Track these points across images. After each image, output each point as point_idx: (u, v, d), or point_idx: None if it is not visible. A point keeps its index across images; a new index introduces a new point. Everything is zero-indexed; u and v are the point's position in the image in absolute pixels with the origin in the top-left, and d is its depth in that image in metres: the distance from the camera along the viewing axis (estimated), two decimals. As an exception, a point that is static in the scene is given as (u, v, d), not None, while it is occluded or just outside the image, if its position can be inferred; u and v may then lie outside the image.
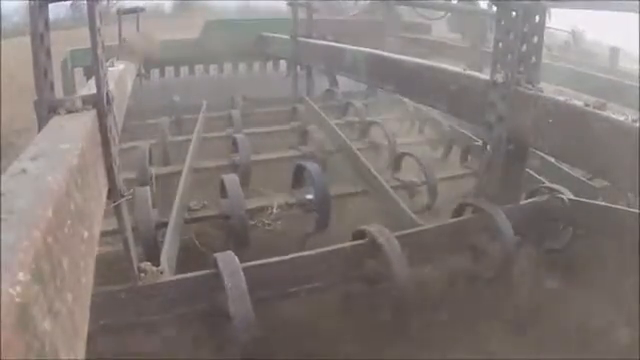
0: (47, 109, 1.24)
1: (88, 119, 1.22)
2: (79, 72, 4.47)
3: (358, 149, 3.16)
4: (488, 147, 2.18)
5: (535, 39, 1.99)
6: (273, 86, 4.95)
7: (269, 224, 2.44)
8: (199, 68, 5.40)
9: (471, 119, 2.42)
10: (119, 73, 2.41)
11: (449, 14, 6.23)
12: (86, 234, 0.90)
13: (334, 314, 1.99)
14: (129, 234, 1.51)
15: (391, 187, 2.62)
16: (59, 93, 1.33)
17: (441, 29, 6.40)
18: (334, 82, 4.91)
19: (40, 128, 1.17)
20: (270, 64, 5.62)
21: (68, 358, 0.66)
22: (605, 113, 1.70)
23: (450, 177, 2.98)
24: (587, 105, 1.79)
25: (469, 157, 3.15)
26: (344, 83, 4.66)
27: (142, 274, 1.64)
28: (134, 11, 4.23)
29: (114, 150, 1.34)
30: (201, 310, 1.69)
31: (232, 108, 4.18)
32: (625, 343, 1.78)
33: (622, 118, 1.64)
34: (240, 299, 1.51)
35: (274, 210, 2.47)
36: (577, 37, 6.45)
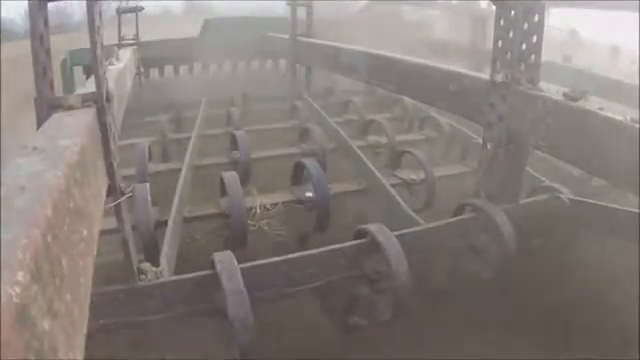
0: (47, 107, 1.24)
1: (88, 117, 1.22)
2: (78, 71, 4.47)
3: (358, 147, 3.16)
4: (488, 146, 2.18)
5: (535, 38, 1.99)
6: (272, 84, 4.95)
7: (254, 225, 2.42)
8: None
9: (471, 118, 2.42)
10: (118, 71, 2.40)
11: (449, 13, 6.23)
12: (85, 233, 0.89)
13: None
14: (128, 233, 1.50)
15: (391, 185, 2.62)
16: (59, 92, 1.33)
17: (441, 28, 6.40)
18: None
19: (39, 126, 1.17)
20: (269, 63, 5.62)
21: (67, 357, 0.66)
22: (605, 113, 1.70)
23: (449, 175, 2.98)
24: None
25: (468, 155, 3.15)
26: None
27: (142, 275, 1.64)
28: (133, 10, 4.23)
29: (114, 148, 1.34)
30: (200, 311, 1.68)
31: (231, 106, 4.18)
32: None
33: (621, 118, 1.64)
34: (238, 300, 1.51)
35: (257, 210, 2.46)
36: (576, 36, 6.44)
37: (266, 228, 2.45)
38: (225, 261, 1.62)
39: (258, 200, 2.51)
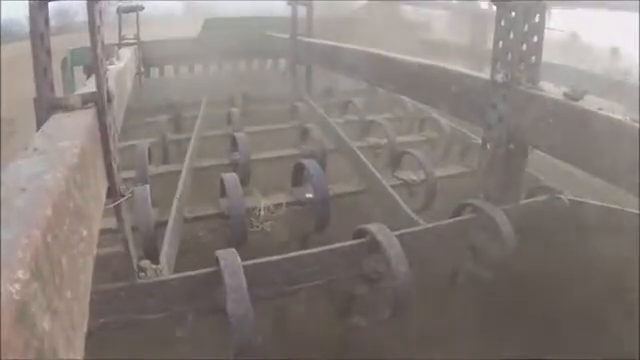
0: (47, 107, 1.24)
1: (88, 117, 1.22)
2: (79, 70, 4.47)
3: (358, 147, 3.16)
4: (488, 146, 2.18)
5: (535, 38, 1.99)
6: (272, 84, 4.95)
7: (257, 226, 2.43)
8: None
9: (471, 119, 2.42)
10: (119, 71, 2.40)
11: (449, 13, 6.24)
12: (85, 233, 0.89)
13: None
14: (128, 233, 1.51)
15: (391, 186, 2.62)
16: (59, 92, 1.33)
17: (441, 28, 6.40)
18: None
19: (39, 126, 1.17)
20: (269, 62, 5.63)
21: (67, 356, 0.66)
22: (605, 113, 1.70)
23: (449, 176, 2.98)
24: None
25: (468, 156, 3.15)
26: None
27: (142, 273, 1.64)
28: (134, 10, 4.24)
29: (113, 149, 1.34)
30: (201, 308, 1.68)
31: (232, 106, 4.18)
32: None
33: (621, 118, 1.64)
34: (240, 298, 1.51)
35: (261, 212, 2.46)
36: (576, 38, 6.44)
37: (269, 229, 2.45)
38: (228, 258, 1.62)
39: (262, 202, 2.51)
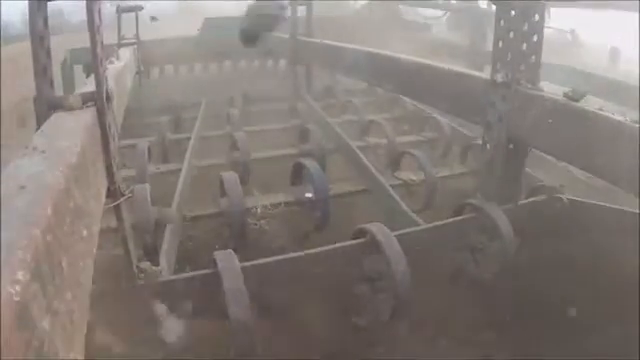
0: (47, 106, 1.24)
1: (88, 116, 1.22)
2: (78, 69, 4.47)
3: (357, 147, 3.16)
4: (488, 146, 2.18)
5: (535, 38, 1.99)
6: (272, 84, 4.94)
7: (255, 224, 2.43)
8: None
9: (471, 119, 2.42)
10: (118, 71, 2.40)
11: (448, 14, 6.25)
12: (85, 232, 0.89)
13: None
14: (128, 233, 1.50)
15: (390, 186, 2.62)
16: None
17: (440, 29, 6.41)
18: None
19: (39, 125, 1.17)
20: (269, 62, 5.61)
21: (67, 356, 0.66)
22: (605, 113, 1.70)
23: (449, 176, 2.97)
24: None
25: (468, 156, 3.14)
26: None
27: (141, 274, 1.64)
28: (133, 10, 4.23)
29: (113, 148, 1.34)
30: (200, 309, 1.68)
31: (231, 106, 4.18)
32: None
33: (621, 118, 1.64)
34: (239, 300, 1.51)
35: (258, 210, 2.46)
36: (575, 37, 6.45)
37: (267, 227, 2.45)
38: (226, 260, 1.62)
39: (259, 200, 2.51)
